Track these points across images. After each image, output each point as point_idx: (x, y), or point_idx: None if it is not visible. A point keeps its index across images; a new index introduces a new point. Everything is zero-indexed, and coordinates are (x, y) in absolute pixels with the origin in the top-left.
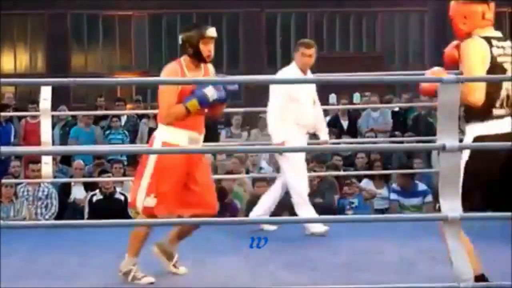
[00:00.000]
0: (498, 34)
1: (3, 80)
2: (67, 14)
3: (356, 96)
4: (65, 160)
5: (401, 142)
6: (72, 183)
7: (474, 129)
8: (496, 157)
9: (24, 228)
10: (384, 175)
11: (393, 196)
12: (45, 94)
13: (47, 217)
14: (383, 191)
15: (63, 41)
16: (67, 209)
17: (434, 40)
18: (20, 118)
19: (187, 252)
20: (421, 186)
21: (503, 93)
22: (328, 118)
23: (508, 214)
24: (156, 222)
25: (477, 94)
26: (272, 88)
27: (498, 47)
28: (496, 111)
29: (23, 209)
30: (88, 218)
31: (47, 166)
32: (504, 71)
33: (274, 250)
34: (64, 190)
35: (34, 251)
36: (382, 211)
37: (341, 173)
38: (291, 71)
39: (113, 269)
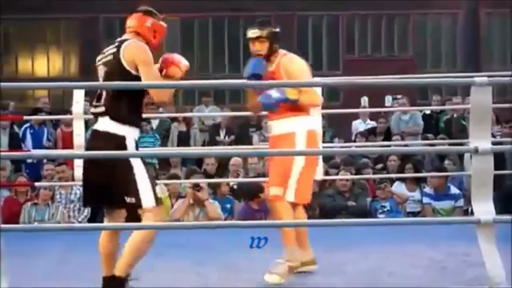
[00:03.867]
0: (125, 38)
1: (3, 84)
2: (99, 18)
3: (388, 99)
4: None
5: (433, 144)
6: None
7: None
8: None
9: (57, 231)
10: (417, 177)
11: (426, 199)
12: (78, 98)
13: (80, 219)
14: (416, 194)
15: (96, 45)
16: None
17: (466, 43)
18: (53, 122)
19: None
20: (454, 189)
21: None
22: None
23: None
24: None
25: None
26: None
27: (104, 53)
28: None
29: (58, 212)
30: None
31: (79, 169)
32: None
33: None
34: None
35: (66, 253)
36: (414, 214)
37: (373, 176)
38: None
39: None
